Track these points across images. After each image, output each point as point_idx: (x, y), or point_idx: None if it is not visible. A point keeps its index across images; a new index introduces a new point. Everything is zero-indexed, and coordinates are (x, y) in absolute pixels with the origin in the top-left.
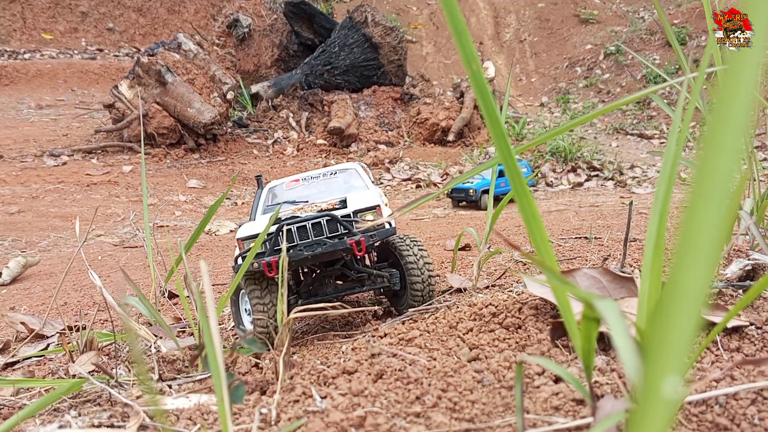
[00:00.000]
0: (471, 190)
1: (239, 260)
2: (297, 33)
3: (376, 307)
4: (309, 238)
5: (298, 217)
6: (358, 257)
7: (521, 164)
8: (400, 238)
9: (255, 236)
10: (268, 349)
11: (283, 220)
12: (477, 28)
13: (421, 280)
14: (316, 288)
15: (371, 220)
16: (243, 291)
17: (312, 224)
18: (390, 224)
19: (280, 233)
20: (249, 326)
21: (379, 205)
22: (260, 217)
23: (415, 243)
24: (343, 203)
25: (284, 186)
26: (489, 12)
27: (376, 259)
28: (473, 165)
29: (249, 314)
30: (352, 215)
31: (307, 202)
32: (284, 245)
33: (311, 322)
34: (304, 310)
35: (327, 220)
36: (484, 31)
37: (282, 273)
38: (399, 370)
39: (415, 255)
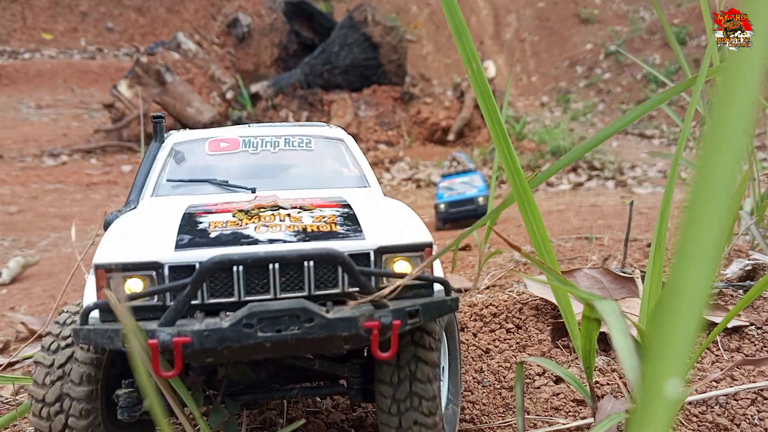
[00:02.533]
0: (480, 198)
1: (89, 317)
2: (297, 32)
3: None
4: (270, 293)
5: (251, 239)
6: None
7: (475, 174)
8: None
9: (147, 266)
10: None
11: (225, 243)
12: (477, 28)
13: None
14: (245, 381)
15: (403, 275)
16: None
17: (279, 267)
18: (446, 287)
19: (208, 274)
20: None
21: (431, 245)
22: (153, 204)
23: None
24: (348, 218)
25: (206, 148)
26: (489, 11)
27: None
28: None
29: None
30: (373, 256)
31: (253, 191)
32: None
33: None
34: None
35: (314, 264)
36: (485, 30)
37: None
38: None
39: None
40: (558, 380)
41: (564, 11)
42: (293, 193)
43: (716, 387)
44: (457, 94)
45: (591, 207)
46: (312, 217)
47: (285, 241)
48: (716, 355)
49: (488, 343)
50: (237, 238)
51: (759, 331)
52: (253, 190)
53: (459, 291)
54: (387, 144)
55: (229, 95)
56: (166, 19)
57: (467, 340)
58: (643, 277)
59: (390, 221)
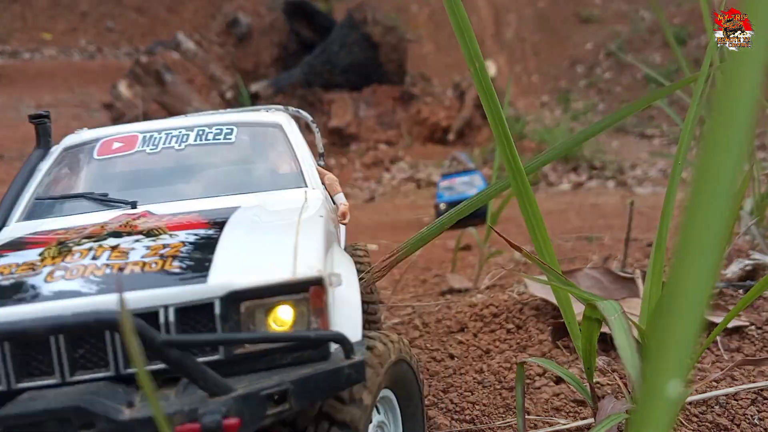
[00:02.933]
0: None
1: None
2: (297, 32)
3: None
4: (56, 376)
5: (30, 294)
6: None
7: (475, 173)
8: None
9: None
10: None
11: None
12: (478, 27)
13: None
14: None
15: (285, 327)
16: None
17: (65, 340)
18: (344, 345)
19: None
20: None
21: (319, 280)
22: (14, 233)
23: None
24: (201, 247)
25: (95, 151)
26: (489, 11)
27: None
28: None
29: None
30: (219, 307)
31: (134, 205)
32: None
33: None
34: None
35: (110, 331)
36: (485, 30)
37: None
38: None
39: None
40: (558, 380)
41: (564, 11)
42: (183, 205)
43: (716, 387)
44: (457, 94)
45: (591, 207)
46: (148, 248)
47: (79, 294)
48: (716, 355)
49: (488, 344)
50: (12, 294)
51: (759, 331)
52: (134, 205)
53: (459, 291)
54: (387, 143)
55: (229, 95)
56: (166, 19)
57: (467, 340)
58: (643, 277)
59: (265, 250)
